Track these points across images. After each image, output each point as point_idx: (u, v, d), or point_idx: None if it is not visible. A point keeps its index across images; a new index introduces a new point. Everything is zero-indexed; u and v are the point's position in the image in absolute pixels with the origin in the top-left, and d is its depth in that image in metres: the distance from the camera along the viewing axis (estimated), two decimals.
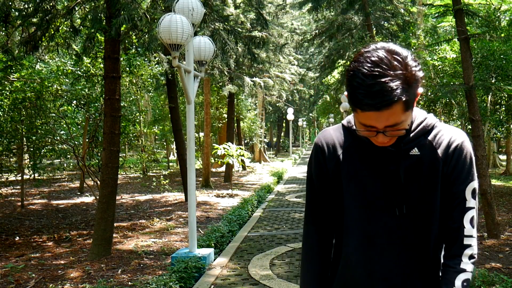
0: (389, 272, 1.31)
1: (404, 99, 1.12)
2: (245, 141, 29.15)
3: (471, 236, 1.28)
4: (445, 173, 1.29)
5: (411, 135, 1.29)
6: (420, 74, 1.19)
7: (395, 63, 1.13)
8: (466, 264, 1.28)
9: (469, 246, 1.28)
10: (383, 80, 1.10)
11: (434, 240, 1.32)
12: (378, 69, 1.11)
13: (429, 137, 1.31)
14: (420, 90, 1.21)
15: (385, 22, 11.41)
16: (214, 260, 5.61)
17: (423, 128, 1.31)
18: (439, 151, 1.29)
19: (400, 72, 1.13)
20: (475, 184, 1.30)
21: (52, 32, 6.44)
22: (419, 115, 1.33)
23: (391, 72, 1.11)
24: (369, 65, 1.12)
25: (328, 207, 1.42)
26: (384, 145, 1.26)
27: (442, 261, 1.34)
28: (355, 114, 1.22)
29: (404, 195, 1.29)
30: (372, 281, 1.32)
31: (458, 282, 1.26)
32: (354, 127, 1.33)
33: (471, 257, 1.28)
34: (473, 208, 1.29)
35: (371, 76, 1.11)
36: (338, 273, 1.40)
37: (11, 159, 11.52)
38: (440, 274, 1.34)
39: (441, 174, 1.29)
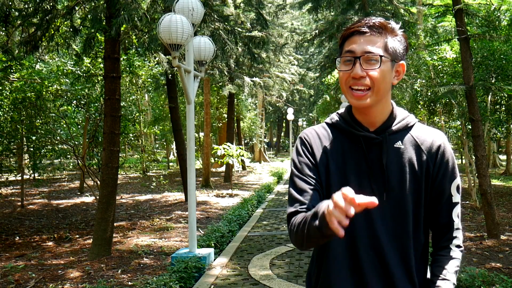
0: (372, 266, 1.33)
1: (385, 39, 1.30)
2: (245, 141, 29.16)
3: (458, 229, 1.39)
4: (430, 171, 1.36)
5: (395, 127, 1.36)
6: (402, 45, 1.34)
7: (384, 24, 1.33)
8: (455, 252, 1.37)
9: (456, 237, 1.39)
10: (371, 19, 1.31)
11: (414, 231, 1.36)
12: (368, 18, 1.32)
13: (411, 133, 1.38)
14: (403, 62, 1.35)
15: None
16: (214, 260, 5.61)
17: (406, 122, 1.39)
18: (423, 148, 1.36)
19: (385, 27, 1.31)
20: (458, 180, 1.40)
21: (52, 32, 6.44)
22: (401, 113, 1.41)
23: (378, 21, 1.32)
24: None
25: (315, 199, 1.33)
26: (360, 92, 1.28)
27: (429, 251, 1.40)
28: (339, 58, 1.33)
29: (386, 182, 1.32)
30: (355, 274, 1.34)
31: (450, 267, 1.36)
32: (338, 120, 1.42)
33: (458, 246, 1.38)
34: (459, 202, 1.39)
35: (362, 18, 1.33)
36: (323, 268, 1.39)
37: (11, 159, 11.52)
38: (431, 263, 1.40)
39: (426, 170, 1.35)
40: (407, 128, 1.38)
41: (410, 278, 1.35)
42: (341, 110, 1.46)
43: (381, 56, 1.27)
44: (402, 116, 1.39)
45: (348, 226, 1.31)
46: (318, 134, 1.43)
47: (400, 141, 1.35)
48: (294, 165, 1.41)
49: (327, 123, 1.46)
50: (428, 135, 1.38)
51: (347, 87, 1.31)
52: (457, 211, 1.38)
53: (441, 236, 1.39)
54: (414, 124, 1.40)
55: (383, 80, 1.29)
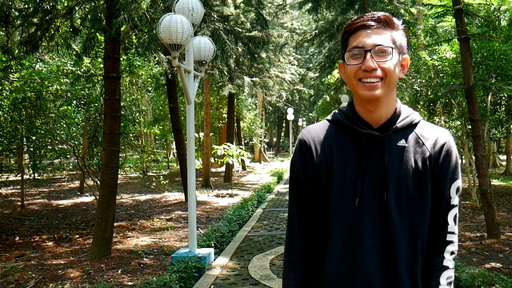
0: (371, 271, 1.28)
1: (390, 33, 1.30)
2: (245, 141, 29.16)
3: (453, 233, 1.33)
4: (432, 169, 1.31)
5: (399, 124, 1.32)
6: (405, 39, 1.34)
7: (388, 17, 1.32)
8: (448, 261, 1.32)
9: (451, 242, 1.32)
10: (375, 13, 1.31)
11: (422, 235, 1.31)
12: (371, 13, 1.32)
13: (416, 130, 1.34)
14: (407, 56, 1.35)
15: None
16: (214, 260, 5.61)
17: (410, 120, 1.35)
18: (427, 146, 1.32)
19: (390, 21, 1.31)
20: (459, 182, 1.33)
21: (52, 32, 6.45)
22: (406, 110, 1.38)
23: (383, 14, 1.31)
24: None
25: (313, 205, 1.39)
26: (371, 83, 1.26)
27: (423, 257, 1.34)
28: (346, 53, 1.31)
29: (387, 181, 1.28)
30: (354, 282, 1.29)
31: (442, 280, 1.30)
32: (339, 117, 1.38)
33: (452, 253, 1.32)
34: (457, 206, 1.33)
35: (364, 14, 1.32)
36: (323, 273, 1.35)
37: (11, 159, 11.51)
38: (423, 272, 1.33)
39: (430, 168, 1.31)
40: (411, 126, 1.34)
41: (414, 280, 1.30)
42: (343, 105, 1.44)
43: (392, 48, 1.27)
44: (407, 113, 1.35)
45: (349, 238, 1.31)
46: (319, 134, 1.39)
47: (404, 139, 1.32)
48: (292, 173, 1.42)
49: (328, 120, 1.42)
50: (433, 133, 1.34)
51: (356, 80, 1.28)
52: (453, 214, 1.32)
53: (435, 239, 1.33)
54: (418, 122, 1.36)
55: (394, 72, 1.28)
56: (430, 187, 1.31)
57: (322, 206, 1.36)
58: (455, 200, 1.32)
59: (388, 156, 1.29)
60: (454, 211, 1.32)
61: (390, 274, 1.28)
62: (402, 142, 1.31)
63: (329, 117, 1.43)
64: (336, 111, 1.42)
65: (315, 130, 1.41)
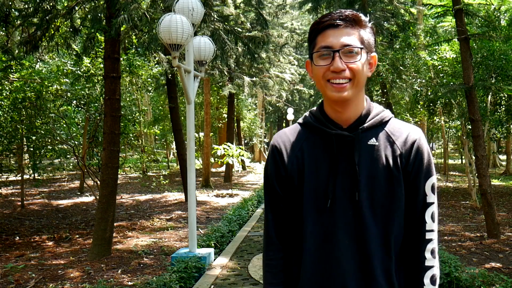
0: (347, 272, 1.27)
1: (358, 31, 1.27)
2: (245, 141, 29.16)
3: (432, 231, 1.30)
4: (404, 167, 1.29)
5: (368, 123, 1.31)
6: (373, 37, 1.32)
7: (356, 15, 1.29)
8: (430, 260, 1.30)
9: (430, 240, 1.30)
10: (342, 12, 1.27)
11: (396, 234, 1.30)
12: (338, 11, 1.28)
13: (386, 129, 1.32)
14: (375, 54, 1.33)
15: (385, 22, 11.40)
16: (214, 260, 5.61)
17: (380, 118, 1.33)
18: (398, 144, 1.30)
19: (357, 19, 1.28)
20: (434, 179, 1.31)
21: (52, 32, 6.45)
22: (376, 107, 1.36)
23: (350, 13, 1.28)
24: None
25: (288, 209, 1.37)
26: (340, 84, 1.24)
27: (402, 256, 1.33)
28: (314, 53, 1.28)
29: (358, 181, 1.27)
30: (330, 284, 1.29)
31: (426, 280, 1.29)
32: (309, 120, 1.37)
33: (432, 251, 1.30)
34: (433, 203, 1.31)
35: (331, 12, 1.29)
36: (300, 276, 1.34)
37: (11, 159, 11.51)
38: (397, 270, 1.32)
39: (401, 167, 1.29)
40: (381, 124, 1.32)
41: (389, 278, 1.29)
42: (314, 108, 1.41)
43: (361, 48, 1.25)
44: (377, 111, 1.34)
45: (323, 239, 1.30)
46: (290, 138, 1.38)
47: (374, 138, 1.30)
48: (266, 178, 1.41)
49: (299, 123, 1.41)
50: (403, 130, 1.32)
51: (324, 81, 1.27)
52: (430, 212, 1.30)
53: (412, 239, 1.31)
54: (389, 120, 1.34)
55: (363, 72, 1.26)
56: (404, 185, 1.29)
57: (296, 209, 1.35)
58: (431, 197, 1.30)
59: (358, 156, 1.28)
60: (431, 209, 1.30)
61: (366, 274, 1.28)
62: (372, 141, 1.30)
63: (300, 120, 1.42)
64: (307, 113, 1.41)
65: (286, 134, 1.40)
